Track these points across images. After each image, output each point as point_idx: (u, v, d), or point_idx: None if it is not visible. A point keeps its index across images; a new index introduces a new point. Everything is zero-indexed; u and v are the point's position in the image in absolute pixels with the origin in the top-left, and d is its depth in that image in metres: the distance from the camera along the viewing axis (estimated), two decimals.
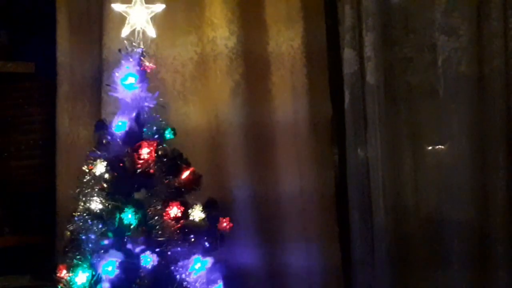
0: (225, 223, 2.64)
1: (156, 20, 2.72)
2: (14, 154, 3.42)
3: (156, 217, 2.49)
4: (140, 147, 2.52)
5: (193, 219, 2.60)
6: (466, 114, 3.01)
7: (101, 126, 2.65)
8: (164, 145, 2.62)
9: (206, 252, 2.58)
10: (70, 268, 2.46)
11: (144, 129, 2.60)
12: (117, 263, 2.40)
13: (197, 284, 2.50)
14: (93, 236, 2.46)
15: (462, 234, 3.02)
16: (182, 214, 2.55)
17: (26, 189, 3.40)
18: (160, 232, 2.47)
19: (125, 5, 2.68)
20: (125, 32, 2.67)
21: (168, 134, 2.64)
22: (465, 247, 3.02)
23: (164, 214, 2.51)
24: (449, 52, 3.01)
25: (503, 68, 2.95)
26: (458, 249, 3.03)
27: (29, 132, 3.42)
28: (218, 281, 2.60)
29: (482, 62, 2.97)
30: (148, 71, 2.62)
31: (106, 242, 2.46)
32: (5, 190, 3.38)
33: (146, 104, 2.61)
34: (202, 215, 2.61)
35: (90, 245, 2.46)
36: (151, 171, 2.53)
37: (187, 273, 2.48)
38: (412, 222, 3.21)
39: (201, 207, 2.62)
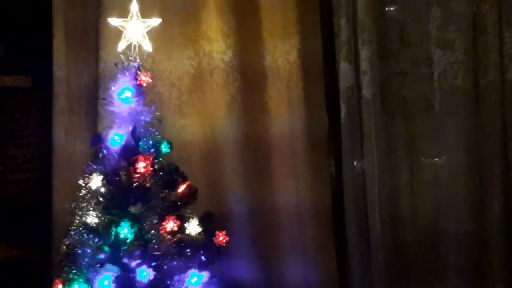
0: (221, 237, 2.64)
1: (152, 34, 2.73)
2: (10, 167, 3.41)
3: (152, 231, 2.49)
4: (136, 161, 2.53)
5: (190, 233, 2.60)
6: (461, 127, 3.02)
7: (98, 140, 2.65)
8: (161, 159, 2.63)
9: (202, 266, 2.58)
10: (66, 282, 2.46)
11: (140, 143, 2.60)
12: (113, 277, 2.40)
13: None
14: (89, 250, 2.46)
15: (459, 246, 3.02)
16: (178, 228, 2.55)
17: (22, 202, 3.39)
18: (156, 246, 2.47)
19: (121, 20, 2.69)
20: (121, 46, 2.68)
21: (164, 148, 2.65)
22: (462, 258, 3.02)
23: (160, 228, 2.51)
24: (445, 66, 3.03)
25: (499, 82, 2.95)
26: (454, 261, 3.03)
27: (26, 145, 3.41)
28: None
29: (477, 76, 2.99)
30: (144, 85, 2.63)
31: (102, 256, 2.46)
32: (1, 204, 3.37)
33: (142, 118, 2.62)
34: (199, 229, 2.61)
35: (86, 259, 2.45)
36: (147, 185, 2.53)
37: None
38: (409, 234, 3.21)
39: (198, 221, 2.62)
